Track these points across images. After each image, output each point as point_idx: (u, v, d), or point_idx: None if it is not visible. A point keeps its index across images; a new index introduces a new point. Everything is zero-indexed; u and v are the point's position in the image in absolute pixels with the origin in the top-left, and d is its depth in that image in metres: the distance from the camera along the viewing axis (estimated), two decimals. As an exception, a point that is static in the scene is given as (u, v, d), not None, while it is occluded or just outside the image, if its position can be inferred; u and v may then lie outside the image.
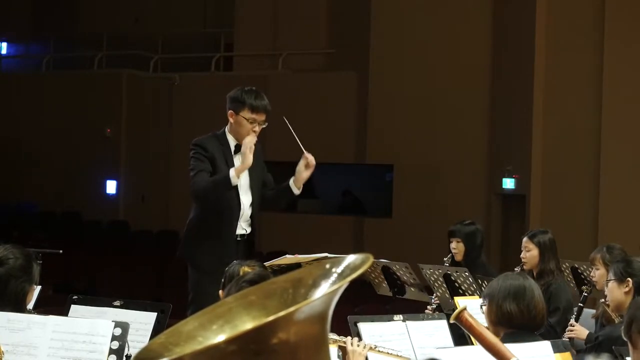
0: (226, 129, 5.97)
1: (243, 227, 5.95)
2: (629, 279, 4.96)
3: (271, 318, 1.36)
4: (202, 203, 5.91)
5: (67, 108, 17.90)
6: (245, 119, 5.84)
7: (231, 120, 5.91)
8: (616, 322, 5.07)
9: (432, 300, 6.56)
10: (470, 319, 3.38)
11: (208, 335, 1.43)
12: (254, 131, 5.87)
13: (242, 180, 5.92)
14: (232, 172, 5.74)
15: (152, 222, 16.94)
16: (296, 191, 6.01)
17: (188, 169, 5.96)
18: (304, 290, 1.47)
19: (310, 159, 5.92)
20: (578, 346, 5.44)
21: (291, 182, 6.01)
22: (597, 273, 5.83)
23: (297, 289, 1.47)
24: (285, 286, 1.49)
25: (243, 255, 5.69)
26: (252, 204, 5.99)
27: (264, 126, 5.94)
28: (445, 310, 6.12)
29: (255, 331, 1.37)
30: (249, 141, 5.73)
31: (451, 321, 3.45)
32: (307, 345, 1.43)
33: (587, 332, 5.65)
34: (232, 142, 5.93)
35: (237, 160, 5.91)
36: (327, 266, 1.49)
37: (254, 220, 6.01)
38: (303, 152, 5.95)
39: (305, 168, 5.94)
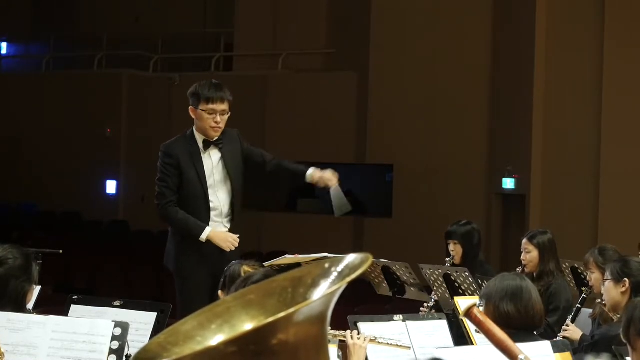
0: (194, 128, 5.93)
1: (225, 225, 5.90)
2: (625, 279, 4.94)
3: (271, 319, 1.36)
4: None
5: (67, 108, 17.90)
6: (204, 111, 5.81)
7: (193, 116, 5.88)
8: (614, 320, 5.05)
9: (432, 298, 6.55)
10: (479, 315, 3.40)
11: (207, 335, 1.43)
12: (216, 122, 5.81)
13: (215, 176, 5.90)
14: (205, 233, 5.74)
15: (152, 222, 16.88)
16: (309, 179, 6.00)
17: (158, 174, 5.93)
18: (303, 289, 1.47)
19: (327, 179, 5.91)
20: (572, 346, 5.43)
21: (310, 172, 5.99)
22: (593, 277, 5.79)
23: (296, 289, 1.47)
24: (284, 285, 1.48)
25: (227, 255, 5.69)
26: (231, 199, 5.94)
27: (227, 116, 5.86)
28: (445, 310, 6.11)
29: (255, 332, 1.37)
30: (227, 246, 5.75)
31: (461, 317, 3.48)
32: (307, 345, 1.43)
33: (581, 333, 5.62)
34: (199, 140, 5.90)
35: (205, 157, 5.87)
36: (327, 266, 1.49)
37: (234, 216, 5.95)
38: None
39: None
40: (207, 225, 5.81)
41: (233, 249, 5.74)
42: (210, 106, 5.77)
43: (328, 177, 5.99)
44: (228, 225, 5.90)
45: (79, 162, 17.75)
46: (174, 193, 5.83)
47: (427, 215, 14.63)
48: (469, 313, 3.41)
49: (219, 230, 5.81)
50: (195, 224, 5.77)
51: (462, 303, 4.86)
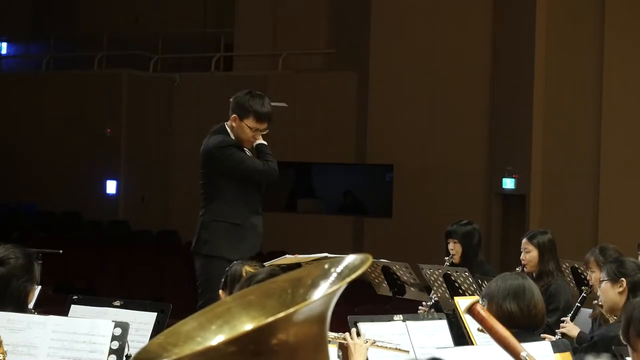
0: (226, 125, 5.97)
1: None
2: (622, 279, 4.93)
3: (271, 319, 1.37)
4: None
5: (67, 108, 17.90)
6: (249, 127, 5.85)
7: (233, 124, 5.91)
8: (610, 322, 5.06)
9: (432, 298, 6.55)
10: (482, 312, 3.41)
11: (207, 336, 1.44)
12: (255, 138, 5.92)
13: None
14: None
15: (152, 222, 16.94)
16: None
17: (231, 165, 5.93)
18: (303, 290, 1.47)
19: None
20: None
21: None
22: (593, 276, 5.79)
23: (296, 289, 1.48)
24: (284, 286, 1.49)
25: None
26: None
27: (265, 132, 5.95)
28: (445, 310, 6.11)
29: (254, 332, 1.37)
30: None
31: (463, 313, 3.48)
32: (307, 345, 1.43)
33: (578, 330, 5.63)
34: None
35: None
36: (326, 266, 1.49)
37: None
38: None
39: None
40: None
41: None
42: (256, 125, 5.88)
43: None
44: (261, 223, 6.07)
45: (79, 162, 17.75)
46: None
47: (427, 215, 14.63)
48: (471, 310, 3.42)
49: None
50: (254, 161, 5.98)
51: (462, 303, 4.86)
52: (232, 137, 5.94)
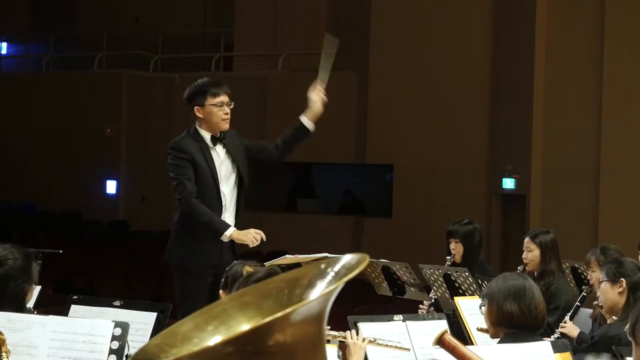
0: (196, 126, 5.89)
1: (229, 222, 5.86)
2: (622, 279, 4.94)
3: (268, 319, 1.36)
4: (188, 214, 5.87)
5: (67, 108, 17.91)
6: (213, 105, 5.78)
7: (200, 115, 5.82)
8: (608, 322, 5.06)
9: (432, 298, 6.55)
10: (452, 341, 3.40)
11: (204, 336, 1.44)
12: (226, 113, 5.80)
13: (222, 171, 5.87)
14: (228, 232, 5.67)
15: (152, 222, 16.94)
16: (311, 127, 5.96)
17: (169, 174, 5.85)
18: (300, 290, 1.47)
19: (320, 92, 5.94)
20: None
21: (304, 118, 5.96)
22: (594, 276, 5.80)
23: (292, 290, 1.47)
24: (280, 286, 1.49)
25: (228, 253, 5.67)
26: (237, 194, 5.92)
27: (231, 107, 5.87)
28: (445, 310, 6.12)
29: (251, 332, 1.37)
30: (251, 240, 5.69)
31: (433, 346, 3.47)
32: (304, 345, 1.43)
33: (578, 330, 5.63)
34: (206, 136, 5.86)
35: (214, 153, 5.85)
36: (323, 266, 1.49)
37: (238, 212, 5.93)
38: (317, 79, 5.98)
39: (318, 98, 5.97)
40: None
41: (257, 243, 5.69)
42: (218, 99, 5.80)
43: (317, 97, 6.00)
44: (231, 222, 5.86)
45: (79, 162, 17.76)
46: (194, 185, 5.78)
47: (427, 215, 14.63)
48: (441, 340, 3.40)
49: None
50: (220, 221, 5.73)
51: (462, 303, 4.86)
52: (204, 131, 5.85)
